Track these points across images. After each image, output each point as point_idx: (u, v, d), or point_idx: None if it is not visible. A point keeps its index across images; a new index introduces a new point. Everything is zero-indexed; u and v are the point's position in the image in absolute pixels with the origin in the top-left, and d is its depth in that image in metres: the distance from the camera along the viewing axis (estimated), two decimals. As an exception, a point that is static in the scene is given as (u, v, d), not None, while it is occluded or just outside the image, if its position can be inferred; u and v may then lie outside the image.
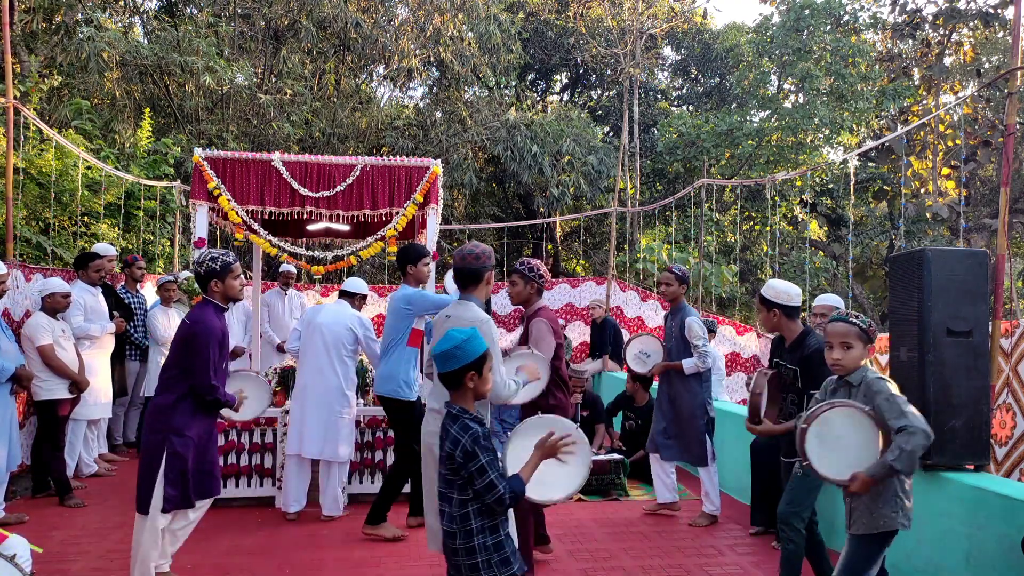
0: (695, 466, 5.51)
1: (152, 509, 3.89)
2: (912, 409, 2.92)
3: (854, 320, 3.09)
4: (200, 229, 5.82)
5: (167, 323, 7.39)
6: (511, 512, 3.15)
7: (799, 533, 3.75)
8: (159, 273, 9.76)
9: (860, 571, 3.05)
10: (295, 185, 5.92)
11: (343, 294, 5.73)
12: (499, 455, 2.72)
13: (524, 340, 4.50)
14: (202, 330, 3.93)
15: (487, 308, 3.67)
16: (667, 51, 22.52)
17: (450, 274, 4.82)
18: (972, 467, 4.08)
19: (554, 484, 2.90)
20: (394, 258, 5.61)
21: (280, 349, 8.36)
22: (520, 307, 5.57)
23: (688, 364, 5.34)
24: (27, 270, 6.47)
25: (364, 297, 5.83)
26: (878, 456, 2.97)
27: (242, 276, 4.21)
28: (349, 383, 5.47)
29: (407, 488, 5.27)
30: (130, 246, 9.93)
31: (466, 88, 17.22)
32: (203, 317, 3.98)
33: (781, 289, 4.02)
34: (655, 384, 6.07)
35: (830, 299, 5.33)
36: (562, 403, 4.41)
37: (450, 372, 2.68)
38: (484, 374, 2.74)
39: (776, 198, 16.78)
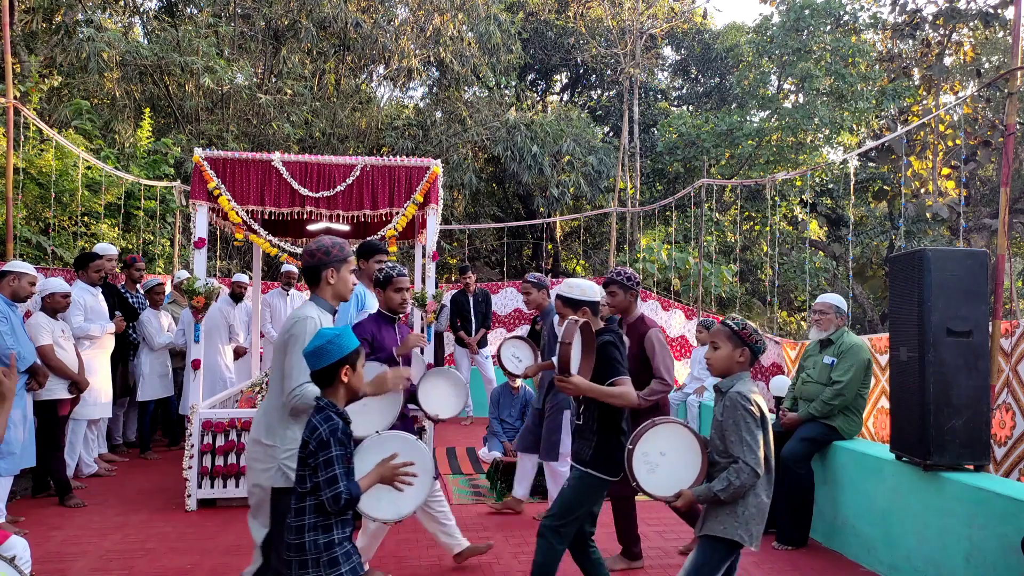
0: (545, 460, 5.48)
1: None
2: (752, 440, 2.93)
3: (728, 322, 3.12)
4: (200, 229, 5.82)
5: (159, 326, 7.53)
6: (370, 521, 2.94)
7: (552, 548, 3.50)
8: (159, 273, 9.76)
9: (701, 574, 3.03)
10: (295, 185, 5.92)
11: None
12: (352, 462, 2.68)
13: (631, 350, 4.40)
14: None
15: (334, 310, 3.32)
16: (667, 51, 22.51)
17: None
18: (972, 467, 4.08)
19: (390, 502, 2.88)
20: (395, 258, 5.58)
21: None
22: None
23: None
24: (27, 270, 6.46)
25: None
26: (700, 467, 3.04)
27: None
28: None
29: None
30: (130, 246, 9.93)
31: (466, 88, 17.20)
32: None
33: (584, 286, 3.76)
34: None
35: (831, 298, 5.31)
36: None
37: (324, 368, 2.66)
38: (358, 369, 2.72)
39: (776, 198, 16.77)
